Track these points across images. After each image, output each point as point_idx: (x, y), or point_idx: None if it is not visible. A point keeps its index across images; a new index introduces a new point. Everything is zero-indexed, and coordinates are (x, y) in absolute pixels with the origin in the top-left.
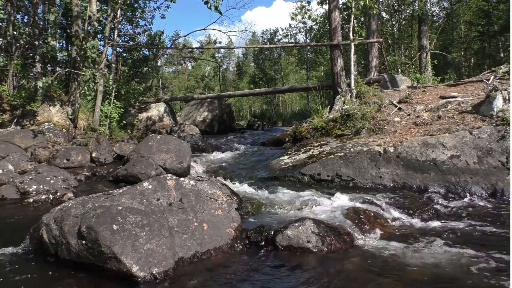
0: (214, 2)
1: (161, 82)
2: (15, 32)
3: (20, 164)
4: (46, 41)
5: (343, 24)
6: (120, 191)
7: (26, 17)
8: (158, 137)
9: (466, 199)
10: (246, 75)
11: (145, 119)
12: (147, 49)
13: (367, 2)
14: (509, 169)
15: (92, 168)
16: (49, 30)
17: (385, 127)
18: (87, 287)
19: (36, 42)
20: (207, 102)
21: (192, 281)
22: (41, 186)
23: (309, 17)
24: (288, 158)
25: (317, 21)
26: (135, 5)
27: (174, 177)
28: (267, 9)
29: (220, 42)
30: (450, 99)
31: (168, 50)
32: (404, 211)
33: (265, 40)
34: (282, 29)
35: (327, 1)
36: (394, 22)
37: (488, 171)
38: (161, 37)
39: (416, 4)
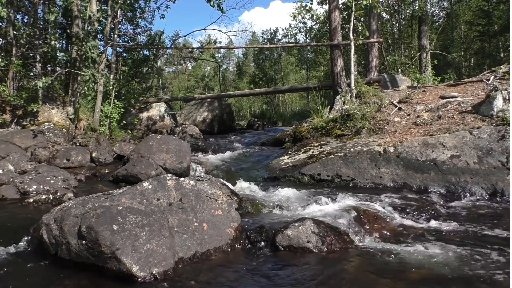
0: (217, 0)
1: (161, 82)
2: (15, 32)
3: (20, 164)
4: (46, 41)
5: (343, 24)
6: (120, 191)
7: (26, 17)
8: (158, 137)
9: (466, 199)
10: (246, 75)
11: (146, 119)
12: (147, 49)
13: (370, 2)
14: (509, 169)
15: (92, 168)
16: (49, 30)
17: (385, 127)
18: (87, 287)
19: (36, 42)
20: (207, 102)
21: (192, 281)
22: (41, 186)
23: (312, 16)
24: (288, 158)
25: (320, 20)
26: (135, 5)
27: (174, 177)
28: (265, 10)
29: (220, 42)
30: (450, 99)
31: (168, 50)
32: (404, 211)
33: (265, 40)
34: (282, 29)
35: (327, 1)
36: (394, 22)
37: (488, 171)
38: (161, 37)
39: (416, 4)
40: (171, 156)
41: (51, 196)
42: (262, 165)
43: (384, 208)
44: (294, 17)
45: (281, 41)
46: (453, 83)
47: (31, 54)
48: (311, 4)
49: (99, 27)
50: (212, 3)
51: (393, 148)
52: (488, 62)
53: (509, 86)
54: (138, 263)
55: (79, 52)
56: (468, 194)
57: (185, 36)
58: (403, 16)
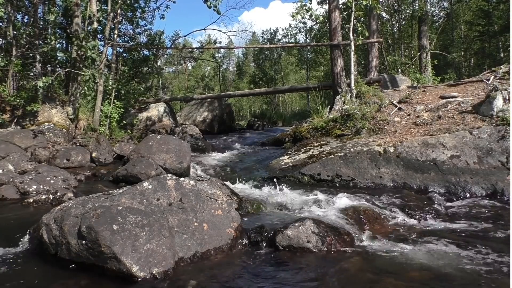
0: (213, 0)
1: (161, 82)
2: (15, 32)
3: (20, 164)
4: (46, 41)
5: (343, 24)
6: (120, 191)
7: (26, 17)
8: (158, 137)
9: (466, 199)
10: (246, 75)
11: (145, 119)
12: (147, 49)
13: (370, 2)
14: (509, 169)
15: (92, 168)
16: (49, 30)
17: (385, 127)
18: (87, 287)
19: (36, 42)
20: (207, 102)
21: (192, 281)
22: (41, 186)
23: (311, 15)
24: (288, 158)
25: (319, 20)
26: (135, 5)
27: (174, 177)
28: (264, 10)
29: (220, 42)
30: (450, 99)
31: (168, 50)
32: (404, 211)
33: (265, 40)
34: (282, 29)
35: (327, 1)
36: (394, 22)
37: (488, 171)
38: (161, 37)
39: (416, 4)
40: (171, 156)
41: (51, 196)
42: (262, 165)
43: (384, 208)
44: (293, 16)
45: (281, 41)
46: (453, 83)
47: (31, 54)
48: (311, 4)
49: (99, 27)
50: (208, 3)
51: (393, 148)
52: (488, 62)
53: (509, 86)
54: (138, 263)
55: (79, 52)
56: (468, 194)
57: (185, 36)
58: (403, 16)
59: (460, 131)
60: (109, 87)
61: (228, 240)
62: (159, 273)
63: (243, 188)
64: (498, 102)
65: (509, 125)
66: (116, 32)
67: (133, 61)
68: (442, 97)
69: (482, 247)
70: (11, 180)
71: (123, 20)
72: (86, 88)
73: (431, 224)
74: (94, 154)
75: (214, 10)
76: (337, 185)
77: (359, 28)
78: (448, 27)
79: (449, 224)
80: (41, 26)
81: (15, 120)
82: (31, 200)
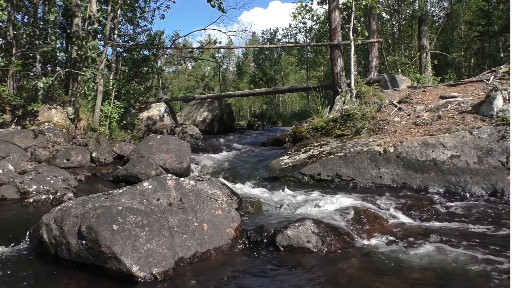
0: (217, 0)
1: (161, 82)
2: (15, 32)
3: (20, 164)
4: (46, 41)
5: (343, 24)
6: (120, 191)
7: (26, 17)
8: (158, 137)
9: (466, 199)
10: (246, 75)
11: (146, 119)
12: (147, 49)
13: (370, 2)
14: (509, 169)
15: (92, 168)
16: (49, 30)
17: (385, 127)
18: (87, 287)
19: (36, 42)
20: (207, 102)
21: (192, 281)
22: (41, 186)
23: (313, 16)
24: (288, 158)
25: (320, 20)
26: (135, 5)
27: (174, 177)
28: (264, 10)
29: (220, 42)
30: (450, 99)
31: (168, 50)
32: (404, 211)
33: (265, 40)
34: (282, 29)
35: (327, 1)
36: (394, 22)
37: (488, 171)
38: (161, 37)
39: (416, 4)
40: (171, 156)
41: (51, 196)
42: (262, 165)
43: (384, 208)
44: (295, 17)
45: (281, 41)
46: (453, 83)
47: (31, 54)
48: (311, 4)
49: (99, 27)
50: (212, 2)
51: (393, 148)
52: (488, 62)
53: (509, 86)
54: (138, 263)
55: (79, 52)
56: (468, 194)
57: (185, 36)
58: (403, 16)
59: (460, 131)
60: (109, 87)
61: (228, 240)
62: (159, 273)
63: (243, 188)
64: (498, 102)
65: (509, 125)
66: (116, 32)
67: (133, 61)
68: (442, 97)
69: (482, 247)
70: (11, 180)
71: (123, 20)
72: (86, 88)
73: (431, 224)
74: (94, 154)
75: (219, 9)
76: (337, 185)
77: (359, 28)
78: (448, 27)
79: (449, 224)
80: (41, 26)
81: (15, 120)
82: (31, 200)
